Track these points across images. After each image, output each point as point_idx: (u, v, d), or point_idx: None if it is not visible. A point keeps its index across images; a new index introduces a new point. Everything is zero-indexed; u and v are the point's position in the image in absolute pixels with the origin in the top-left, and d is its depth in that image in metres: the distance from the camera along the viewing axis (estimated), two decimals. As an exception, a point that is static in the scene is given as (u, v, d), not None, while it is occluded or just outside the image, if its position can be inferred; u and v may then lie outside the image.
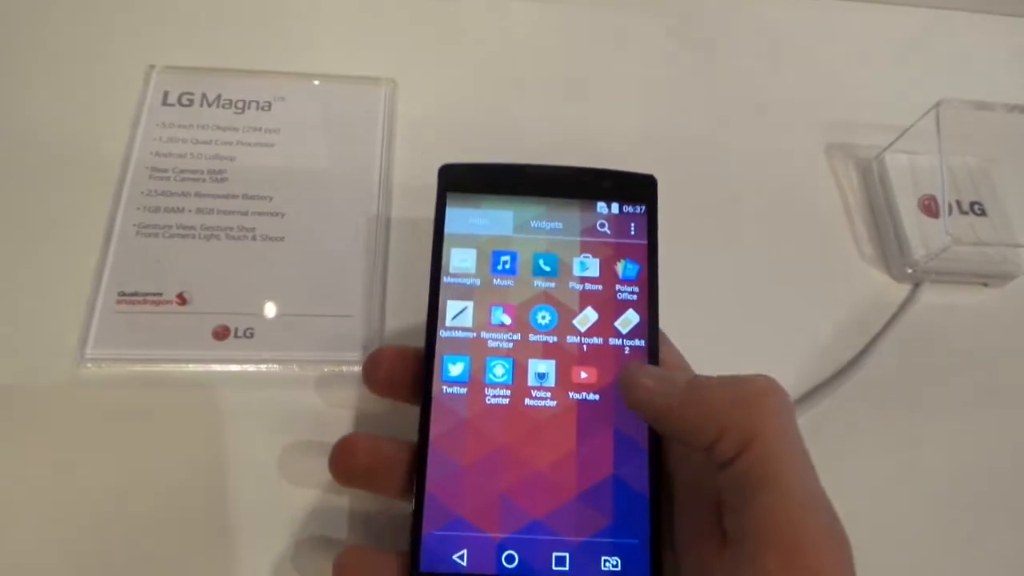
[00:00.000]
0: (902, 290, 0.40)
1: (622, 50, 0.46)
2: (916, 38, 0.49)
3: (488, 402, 0.27)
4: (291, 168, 0.38)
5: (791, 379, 0.37)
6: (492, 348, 0.28)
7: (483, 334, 0.28)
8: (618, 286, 0.29)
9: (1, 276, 0.35)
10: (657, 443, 0.27)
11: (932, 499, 0.35)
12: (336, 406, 0.34)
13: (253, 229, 0.36)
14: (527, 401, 0.27)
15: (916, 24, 0.50)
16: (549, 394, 0.27)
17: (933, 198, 0.40)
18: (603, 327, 0.28)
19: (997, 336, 0.40)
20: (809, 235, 0.41)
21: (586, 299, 0.29)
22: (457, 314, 0.28)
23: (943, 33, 0.50)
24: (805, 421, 0.35)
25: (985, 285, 0.41)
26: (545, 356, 0.28)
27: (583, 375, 0.28)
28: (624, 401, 0.26)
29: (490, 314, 0.28)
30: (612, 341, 0.28)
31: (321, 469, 0.32)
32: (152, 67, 0.40)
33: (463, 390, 0.27)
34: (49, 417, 0.32)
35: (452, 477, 0.26)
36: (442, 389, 0.27)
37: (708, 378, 0.25)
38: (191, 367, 0.33)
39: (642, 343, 0.28)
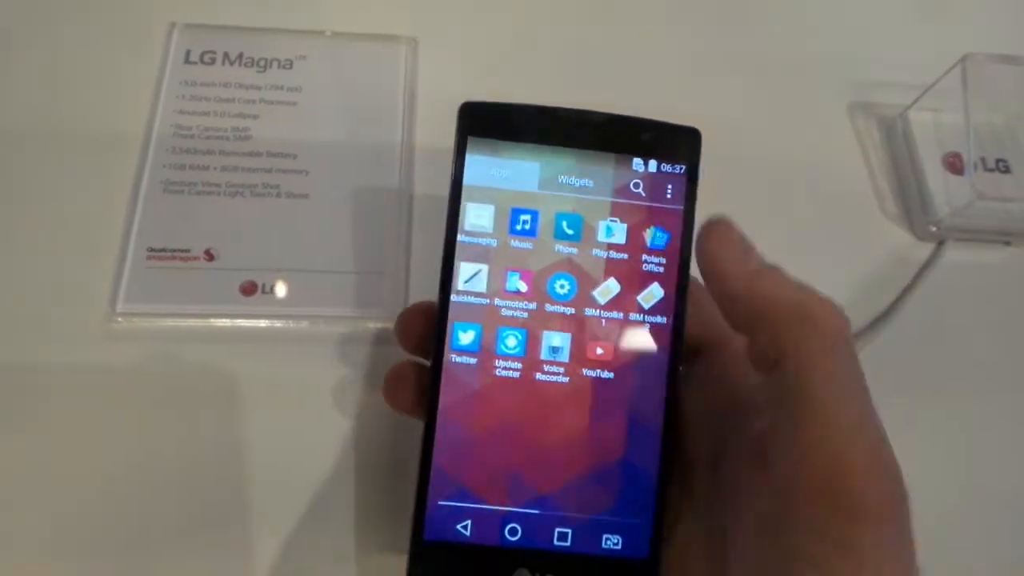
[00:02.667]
0: (925, 248, 0.40)
1: (645, 10, 0.46)
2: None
3: (498, 374, 0.26)
4: (314, 126, 0.38)
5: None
6: (505, 317, 0.26)
7: (497, 301, 0.26)
8: (645, 256, 0.27)
9: (32, 234, 0.35)
10: (672, 425, 0.26)
11: (956, 459, 0.35)
12: (360, 361, 0.34)
13: (277, 186, 0.36)
14: (539, 376, 0.26)
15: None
16: (562, 369, 0.26)
17: (958, 155, 0.40)
18: (625, 301, 0.26)
19: (1021, 294, 0.40)
20: (832, 194, 0.41)
21: (610, 268, 0.27)
22: (470, 277, 0.26)
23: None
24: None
25: (1007, 244, 0.41)
26: (560, 329, 0.26)
27: (599, 351, 0.26)
28: (696, 249, 0.25)
29: (505, 279, 0.26)
30: (633, 316, 0.26)
31: (346, 423, 0.33)
32: (173, 24, 0.40)
33: (473, 360, 0.26)
34: (81, 371, 0.33)
35: (459, 448, 0.26)
36: (451, 358, 0.26)
37: (779, 273, 0.23)
38: (219, 322, 0.34)
39: (665, 320, 0.26)
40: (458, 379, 0.26)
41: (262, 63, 0.39)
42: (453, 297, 0.26)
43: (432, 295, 0.27)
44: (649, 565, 0.26)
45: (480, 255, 0.26)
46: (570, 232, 0.27)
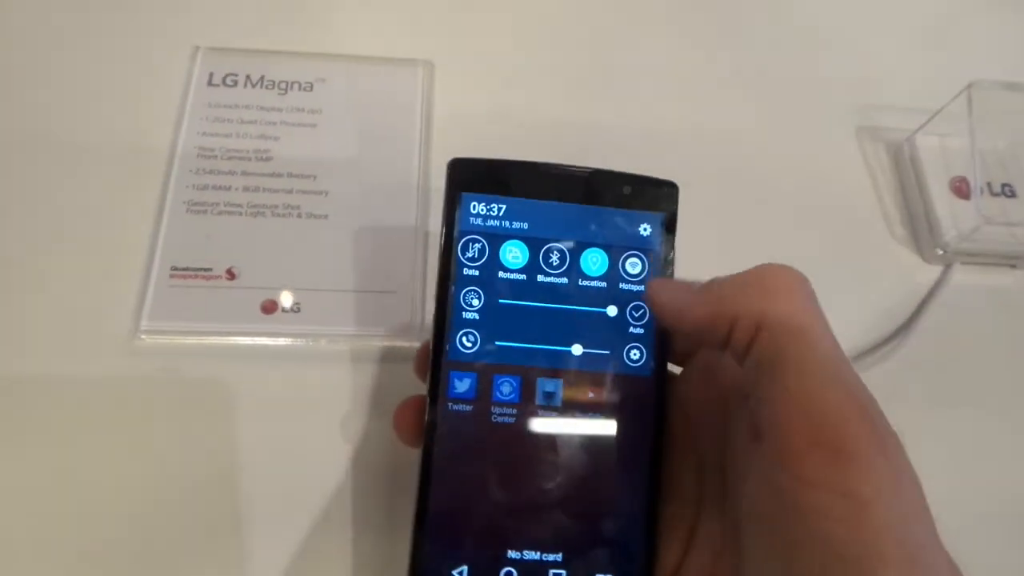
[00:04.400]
0: (932, 271, 0.41)
1: (657, 35, 0.47)
2: (946, 19, 0.49)
3: (494, 420, 0.26)
4: (333, 148, 0.39)
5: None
6: (500, 366, 0.27)
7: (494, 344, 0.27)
8: (623, 285, 0.27)
9: (59, 252, 0.36)
10: (659, 462, 0.26)
11: (964, 478, 0.36)
12: (378, 379, 0.35)
13: (298, 207, 0.37)
14: (533, 421, 0.26)
15: (946, 5, 0.50)
16: (555, 414, 0.26)
17: (964, 180, 0.41)
18: (612, 350, 0.27)
19: (1027, 317, 0.40)
20: (840, 217, 0.42)
21: (598, 303, 0.27)
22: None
23: (973, 13, 0.50)
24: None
25: (1013, 267, 0.41)
26: (553, 376, 0.27)
27: (591, 395, 0.27)
28: (650, 310, 0.26)
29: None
30: (620, 364, 0.27)
31: (364, 442, 0.33)
32: (197, 48, 0.41)
33: (469, 407, 0.26)
34: (105, 387, 0.33)
35: (454, 493, 0.26)
36: (448, 405, 0.26)
37: (722, 277, 0.24)
38: (240, 340, 0.34)
39: (648, 357, 0.27)
40: (454, 425, 0.26)
41: (283, 86, 0.40)
42: (448, 353, 0.26)
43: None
44: None
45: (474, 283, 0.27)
46: (557, 264, 0.27)
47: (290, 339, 0.35)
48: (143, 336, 0.34)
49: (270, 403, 0.34)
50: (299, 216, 0.37)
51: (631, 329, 0.27)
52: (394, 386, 0.35)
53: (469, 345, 0.27)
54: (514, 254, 0.27)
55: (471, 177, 0.27)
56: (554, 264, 0.27)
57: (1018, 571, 0.34)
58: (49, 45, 0.41)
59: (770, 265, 0.24)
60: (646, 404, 0.27)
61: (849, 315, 0.39)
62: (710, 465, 0.26)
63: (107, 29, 0.42)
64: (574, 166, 0.28)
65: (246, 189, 0.37)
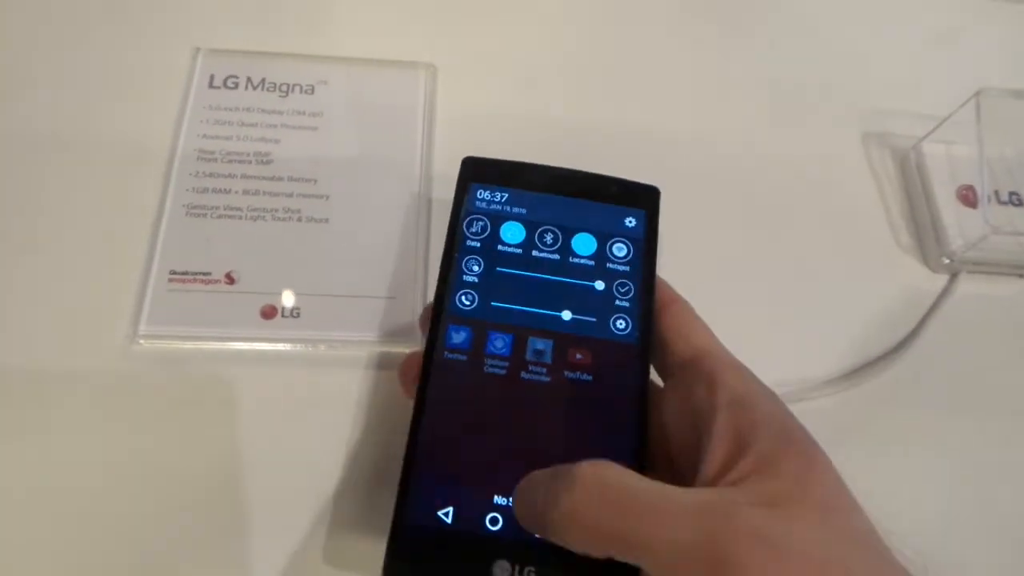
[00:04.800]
0: (938, 280, 0.40)
1: (661, 38, 0.46)
2: (954, 26, 0.49)
3: (486, 371, 0.28)
4: (334, 151, 0.39)
5: (829, 369, 0.37)
6: (494, 323, 0.29)
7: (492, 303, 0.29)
8: (611, 265, 0.30)
9: (56, 255, 0.35)
10: (646, 423, 0.28)
11: (971, 492, 0.35)
12: (378, 385, 0.34)
13: (298, 211, 0.37)
14: (523, 374, 0.28)
15: (954, 12, 0.50)
16: (545, 370, 0.28)
17: (971, 188, 0.41)
18: (599, 318, 0.29)
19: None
20: (845, 224, 0.41)
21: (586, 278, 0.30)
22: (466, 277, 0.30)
23: (981, 21, 0.49)
24: (847, 412, 0.36)
25: (1021, 276, 0.41)
26: (544, 336, 0.29)
27: (578, 356, 0.28)
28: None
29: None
30: (607, 330, 0.29)
31: (362, 447, 0.33)
32: (198, 50, 0.40)
33: (463, 357, 0.28)
34: (103, 392, 0.33)
35: (445, 436, 0.27)
36: (444, 354, 0.28)
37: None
38: (239, 345, 0.34)
39: (634, 324, 0.29)
40: (448, 373, 0.28)
41: (284, 88, 0.40)
42: (448, 308, 0.29)
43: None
44: None
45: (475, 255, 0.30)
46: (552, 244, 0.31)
47: (289, 344, 0.34)
48: (141, 341, 0.33)
49: (269, 408, 0.33)
50: (299, 220, 0.37)
51: (617, 302, 0.29)
52: (394, 391, 0.34)
53: (467, 303, 0.29)
54: (512, 232, 0.30)
55: (481, 172, 0.31)
56: (548, 243, 0.30)
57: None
58: (49, 47, 0.41)
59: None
60: (632, 368, 0.28)
61: (854, 324, 0.39)
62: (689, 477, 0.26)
63: (107, 31, 0.42)
64: (573, 169, 0.32)
65: (246, 192, 0.37)
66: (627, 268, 0.30)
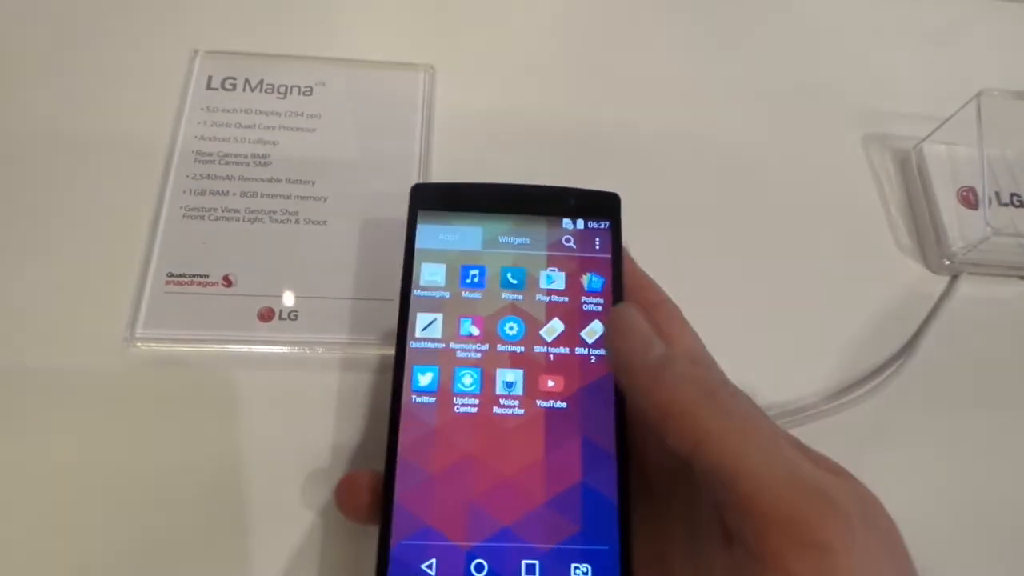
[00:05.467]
0: (939, 282, 0.40)
1: (659, 37, 0.46)
2: (955, 27, 0.49)
3: (457, 411, 0.27)
4: (332, 153, 0.39)
5: (831, 372, 0.37)
6: (461, 359, 0.28)
7: (452, 344, 0.28)
8: (584, 298, 0.29)
9: (53, 258, 0.35)
10: (625, 449, 0.27)
11: (975, 491, 0.35)
12: (375, 387, 0.34)
13: (296, 213, 0.37)
14: (495, 410, 0.27)
15: (955, 12, 0.49)
16: (517, 402, 0.27)
17: (972, 189, 0.40)
18: (569, 337, 0.28)
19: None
20: (847, 226, 0.41)
21: (553, 310, 0.29)
22: (427, 326, 0.28)
23: (982, 22, 0.49)
24: (848, 416, 0.36)
25: (1022, 278, 0.41)
26: (513, 366, 0.28)
27: (550, 383, 0.28)
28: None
29: (459, 326, 0.29)
30: (579, 350, 0.28)
31: (361, 449, 0.33)
32: (196, 51, 0.40)
33: (432, 399, 0.27)
34: (100, 396, 0.33)
35: (420, 486, 0.26)
36: (411, 398, 0.27)
37: (679, 364, 0.24)
38: (237, 347, 0.34)
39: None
40: (418, 418, 0.27)
41: (282, 90, 0.40)
42: (411, 344, 0.28)
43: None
44: None
45: (435, 306, 0.29)
46: (514, 282, 0.29)
47: (287, 347, 0.34)
48: (139, 343, 0.33)
49: (266, 411, 0.33)
50: (297, 222, 0.37)
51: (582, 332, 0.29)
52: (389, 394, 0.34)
53: (431, 343, 0.28)
54: (473, 273, 0.30)
55: (428, 198, 0.30)
56: (510, 280, 0.29)
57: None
58: (47, 48, 0.41)
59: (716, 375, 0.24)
60: (607, 390, 0.28)
61: (854, 326, 0.39)
62: (677, 538, 0.25)
63: (105, 33, 0.41)
64: (525, 184, 0.31)
65: (244, 194, 0.37)
66: (597, 290, 0.29)
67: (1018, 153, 0.42)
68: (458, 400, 0.27)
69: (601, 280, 0.29)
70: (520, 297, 0.29)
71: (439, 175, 0.39)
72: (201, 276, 0.35)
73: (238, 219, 0.36)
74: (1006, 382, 0.38)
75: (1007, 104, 0.39)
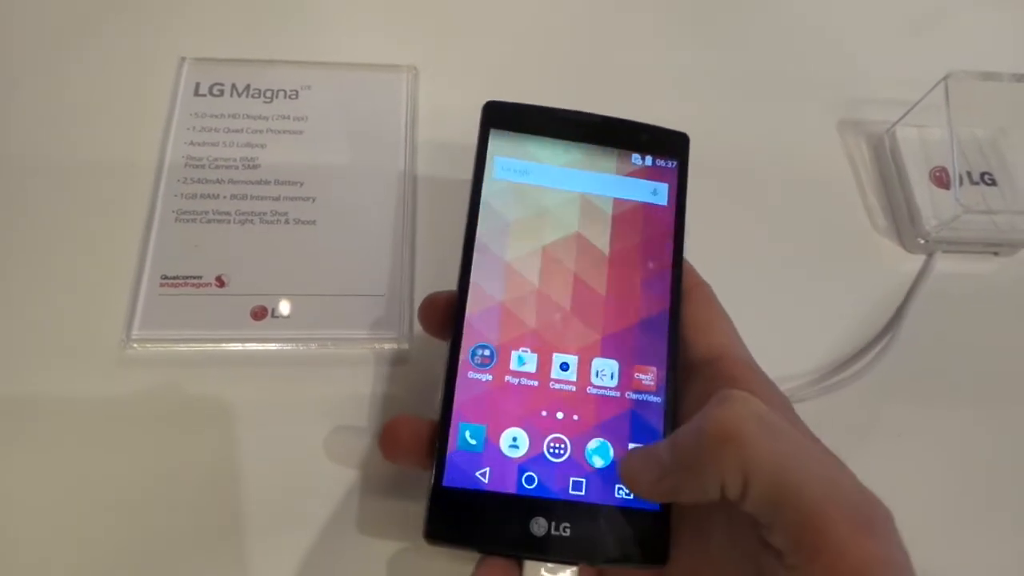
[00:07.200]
0: (915, 261, 0.41)
1: (639, 31, 0.47)
2: (926, 12, 0.50)
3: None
4: (319, 154, 0.39)
5: (815, 353, 0.38)
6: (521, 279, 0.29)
7: (513, 263, 0.29)
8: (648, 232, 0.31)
9: (49, 263, 0.36)
10: (676, 364, 0.29)
11: (958, 464, 0.36)
12: (369, 382, 0.35)
13: (286, 213, 0.38)
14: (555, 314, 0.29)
15: (929, 1, 0.50)
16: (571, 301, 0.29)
17: (944, 169, 0.41)
18: (630, 262, 0.30)
19: (1011, 303, 0.41)
20: (824, 209, 0.42)
21: (617, 239, 0.30)
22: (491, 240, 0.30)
23: (953, 7, 0.50)
24: (835, 397, 0.37)
25: (996, 254, 0.42)
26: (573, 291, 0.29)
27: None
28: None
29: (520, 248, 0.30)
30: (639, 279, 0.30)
31: (356, 443, 0.34)
32: (183, 59, 0.41)
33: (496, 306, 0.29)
34: (97, 396, 0.34)
35: (478, 398, 0.27)
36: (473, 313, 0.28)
37: (684, 430, 0.24)
38: (231, 346, 0.35)
39: (664, 264, 0.31)
40: (477, 333, 0.28)
41: (269, 94, 0.41)
42: (476, 255, 0.29)
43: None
44: (660, 516, 0.26)
45: (501, 228, 0.30)
46: (578, 213, 0.31)
47: (280, 344, 0.35)
48: (134, 345, 0.34)
49: (262, 408, 0.34)
50: (287, 223, 0.37)
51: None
52: (383, 388, 0.35)
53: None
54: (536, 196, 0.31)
55: (502, 118, 0.32)
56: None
57: (1010, 565, 0.35)
58: (35, 57, 0.41)
59: (724, 404, 0.23)
60: (663, 308, 0.30)
61: (833, 307, 0.40)
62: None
63: (93, 42, 0.42)
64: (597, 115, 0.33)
65: (234, 197, 0.38)
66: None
67: (988, 133, 0.43)
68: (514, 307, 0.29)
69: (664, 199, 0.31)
70: (584, 227, 0.30)
71: (424, 173, 0.40)
72: (194, 277, 0.36)
73: (229, 221, 0.37)
74: (984, 355, 0.39)
75: (975, 85, 0.40)
